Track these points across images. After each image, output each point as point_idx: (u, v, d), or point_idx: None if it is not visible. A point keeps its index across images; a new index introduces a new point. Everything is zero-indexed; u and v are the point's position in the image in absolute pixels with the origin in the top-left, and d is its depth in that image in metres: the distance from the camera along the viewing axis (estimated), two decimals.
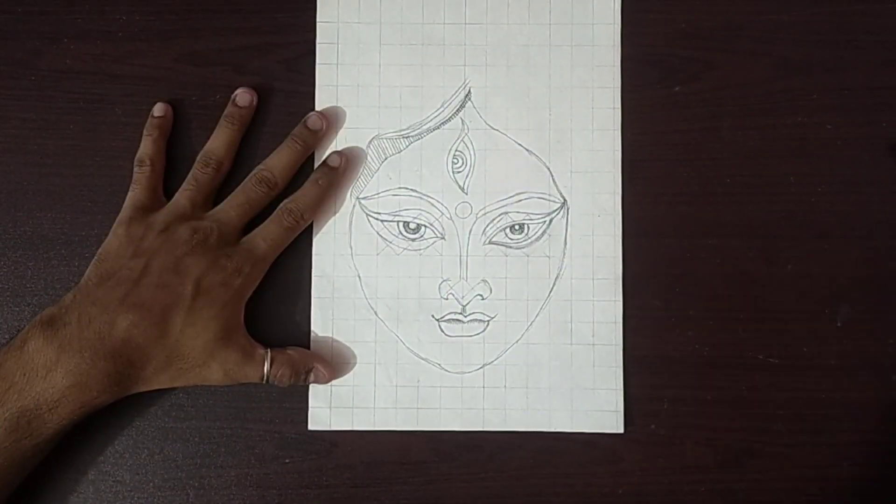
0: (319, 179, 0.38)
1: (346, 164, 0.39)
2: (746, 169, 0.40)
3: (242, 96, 0.39)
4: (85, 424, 0.36)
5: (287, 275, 0.39)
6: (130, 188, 0.37)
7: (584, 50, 0.40)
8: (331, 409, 0.38)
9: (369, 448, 0.38)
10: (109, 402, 0.34)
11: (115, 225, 0.36)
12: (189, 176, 0.37)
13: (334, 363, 0.39)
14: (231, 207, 0.36)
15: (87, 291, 0.34)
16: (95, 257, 0.36)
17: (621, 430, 0.38)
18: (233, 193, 0.37)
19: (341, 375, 0.39)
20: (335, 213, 0.39)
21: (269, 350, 0.36)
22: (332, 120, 0.40)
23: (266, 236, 0.36)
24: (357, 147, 0.40)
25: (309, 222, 0.38)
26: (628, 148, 0.40)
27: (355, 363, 0.39)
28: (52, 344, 0.32)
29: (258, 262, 0.36)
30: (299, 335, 0.39)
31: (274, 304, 0.39)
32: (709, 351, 0.39)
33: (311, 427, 0.38)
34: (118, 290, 0.34)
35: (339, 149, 0.40)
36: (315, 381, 0.38)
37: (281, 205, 0.37)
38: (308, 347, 0.39)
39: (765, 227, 0.40)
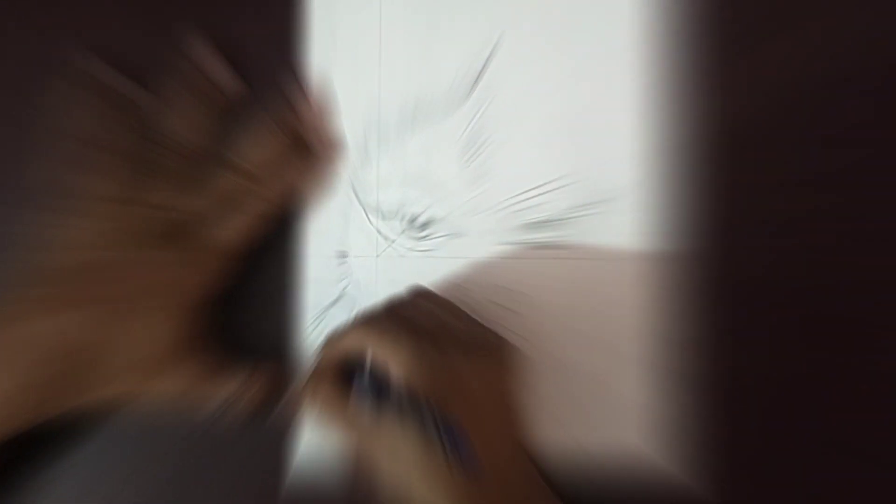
0: (295, 162, 0.35)
1: (328, 148, 0.37)
2: (824, 155, 0.35)
3: (218, 75, 0.36)
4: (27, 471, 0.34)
5: (278, 279, 0.36)
6: (88, 177, 0.34)
7: (624, 15, 0.36)
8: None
9: None
10: (50, 414, 0.31)
11: (68, 215, 0.34)
12: (156, 164, 0.35)
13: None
14: (200, 197, 0.34)
15: (29, 288, 0.31)
16: (45, 251, 0.33)
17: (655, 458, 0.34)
18: (204, 183, 0.34)
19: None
20: (329, 209, 0.37)
21: (237, 365, 0.34)
22: (323, 106, 0.37)
23: (231, 226, 0.33)
24: (344, 132, 0.37)
25: (282, 210, 0.35)
26: (676, 131, 0.35)
27: None
28: None
29: (223, 256, 0.33)
30: (290, 347, 0.36)
31: (262, 312, 0.36)
32: (768, 372, 0.34)
33: (310, 445, 0.35)
34: (63, 287, 0.31)
35: (331, 132, 0.37)
36: (287, 406, 0.35)
37: (250, 190, 0.34)
38: (300, 361, 0.36)
39: (832, 225, 0.34)
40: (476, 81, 0.37)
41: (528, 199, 0.36)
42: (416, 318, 0.31)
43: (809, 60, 0.35)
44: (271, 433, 0.35)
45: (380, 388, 0.29)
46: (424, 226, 0.37)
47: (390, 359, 0.28)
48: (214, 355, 0.33)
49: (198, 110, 0.35)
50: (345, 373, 0.30)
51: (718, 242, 0.35)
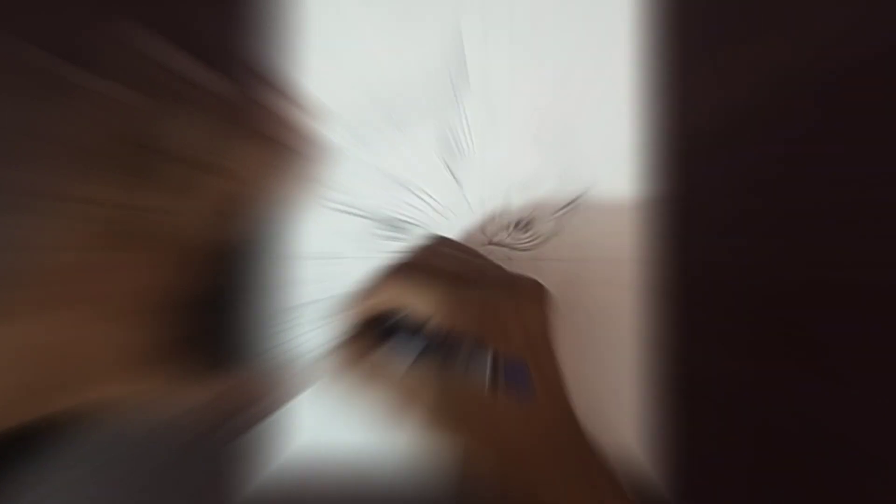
0: (267, 159, 0.34)
1: (303, 145, 0.36)
2: (804, 153, 0.35)
3: (194, 73, 0.35)
4: None
5: (253, 282, 0.36)
6: (61, 177, 0.33)
7: (606, 7, 0.36)
8: (321, 421, 0.36)
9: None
10: (11, 424, 0.30)
11: (37, 220, 0.32)
12: (130, 163, 0.33)
13: (302, 386, 0.36)
14: (174, 198, 0.33)
15: None
16: (10, 253, 0.32)
17: (639, 458, 0.35)
18: (178, 182, 0.33)
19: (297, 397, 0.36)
20: (310, 210, 0.36)
21: (211, 374, 0.33)
22: (302, 105, 0.36)
23: (196, 224, 0.32)
24: (323, 130, 0.36)
25: (251, 208, 0.35)
26: (660, 129, 0.36)
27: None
28: None
29: (187, 253, 0.32)
30: (267, 350, 0.36)
31: (239, 316, 0.36)
32: (745, 370, 0.35)
33: (301, 440, 0.35)
34: (27, 291, 0.30)
35: (306, 132, 0.36)
36: (260, 412, 0.35)
37: (230, 191, 0.33)
38: (277, 364, 0.36)
39: (818, 224, 0.35)
40: (454, 78, 0.36)
41: (506, 200, 0.36)
42: (443, 263, 0.30)
43: (766, 69, 0.36)
44: (239, 436, 0.35)
45: (420, 339, 0.29)
46: (402, 228, 0.36)
47: (428, 304, 0.28)
48: (197, 357, 0.33)
49: (179, 113, 0.34)
50: (378, 329, 0.30)
51: (679, 241, 0.35)
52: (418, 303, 0.28)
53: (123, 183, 0.33)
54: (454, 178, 0.36)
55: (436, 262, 0.31)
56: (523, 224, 0.36)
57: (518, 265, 0.35)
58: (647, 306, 0.35)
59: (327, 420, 0.35)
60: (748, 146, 0.35)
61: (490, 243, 0.36)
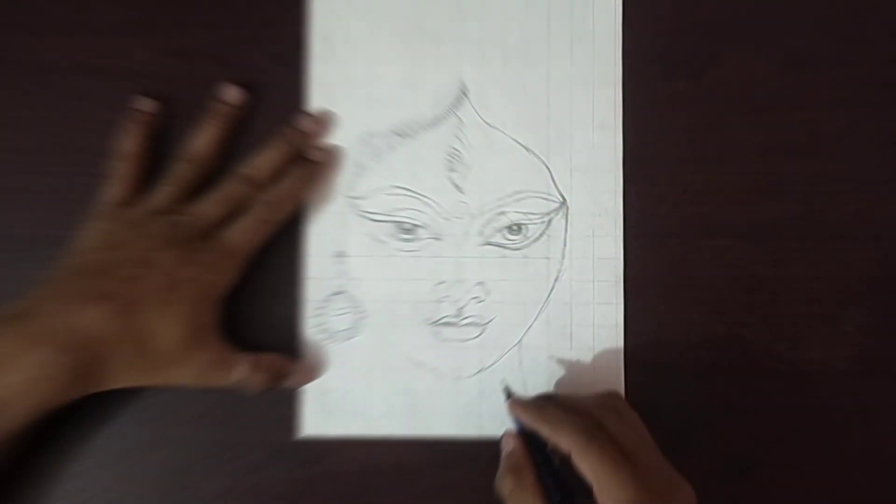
0: (299, 172, 0.36)
1: (328, 159, 0.38)
2: (754, 167, 0.38)
3: (228, 93, 0.37)
4: (57, 438, 0.35)
5: (278, 277, 0.38)
6: (108, 183, 0.36)
7: (584, 43, 0.39)
8: (324, 414, 0.37)
9: (362, 456, 0.37)
10: (72, 399, 0.32)
11: (89, 220, 0.35)
12: (169, 172, 0.36)
13: (323, 366, 0.38)
14: (209, 203, 0.35)
15: (53, 285, 0.32)
16: (68, 253, 0.34)
17: None
18: (213, 189, 0.36)
19: (321, 376, 0.38)
20: (327, 213, 0.38)
21: (244, 354, 0.35)
22: (322, 121, 0.38)
23: (241, 230, 0.34)
24: (340, 144, 0.38)
25: (287, 216, 0.36)
26: (630, 145, 0.38)
27: (348, 367, 0.38)
28: (10, 338, 0.30)
29: (232, 256, 0.34)
30: (290, 339, 0.38)
31: (264, 307, 0.38)
32: (714, 357, 0.38)
33: (303, 434, 0.37)
34: (85, 283, 0.32)
35: (329, 146, 0.38)
36: (290, 386, 0.37)
37: (257, 197, 0.35)
38: (299, 351, 0.37)
39: (772, 228, 0.38)
40: (456, 102, 0.38)
41: (501, 206, 0.38)
42: (622, 443, 0.31)
43: (732, 87, 0.39)
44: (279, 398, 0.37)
45: (560, 481, 0.31)
46: (411, 230, 0.38)
47: (600, 485, 0.29)
48: (225, 346, 0.34)
49: (212, 125, 0.37)
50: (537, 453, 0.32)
51: (651, 242, 0.38)
52: (590, 473, 0.29)
53: (175, 193, 0.35)
54: (456, 186, 0.38)
55: (616, 441, 0.31)
56: (515, 227, 0.38)
57: (510, 262, 0.38)
58: (624, 298, 0.38)
59: (334, 411, 0.37)
60: (716, 157, 0.38)
61: (487, 244, 0.38)
